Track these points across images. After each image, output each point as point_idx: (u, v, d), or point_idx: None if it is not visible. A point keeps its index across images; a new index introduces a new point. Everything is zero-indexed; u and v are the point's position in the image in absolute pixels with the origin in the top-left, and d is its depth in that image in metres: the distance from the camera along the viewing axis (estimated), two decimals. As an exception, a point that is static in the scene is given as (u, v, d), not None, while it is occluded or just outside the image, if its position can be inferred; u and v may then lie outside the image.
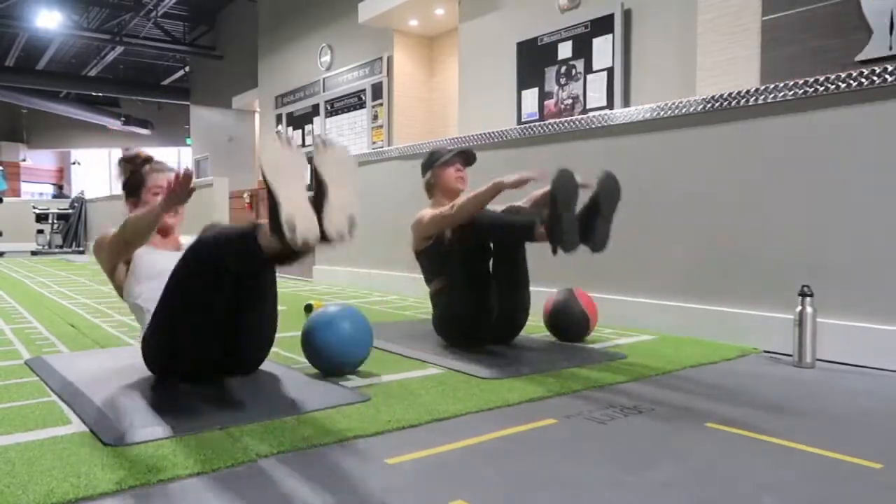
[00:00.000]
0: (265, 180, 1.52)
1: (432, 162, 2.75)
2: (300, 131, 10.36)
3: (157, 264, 2.08)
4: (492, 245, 2.53)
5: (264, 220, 1.61)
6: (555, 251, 2.21)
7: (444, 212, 2.50)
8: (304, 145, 10.25)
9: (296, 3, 10.39)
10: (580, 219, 2.24)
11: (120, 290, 2.15)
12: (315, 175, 1.58)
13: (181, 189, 1.84)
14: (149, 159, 2.20)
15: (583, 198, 2.27)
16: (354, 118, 9.05)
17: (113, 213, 10.09)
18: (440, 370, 2.19)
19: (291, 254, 1.63)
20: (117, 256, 2.08)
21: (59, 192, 18.34)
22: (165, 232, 2.23)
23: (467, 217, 2.43)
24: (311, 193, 1.57)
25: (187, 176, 1.84)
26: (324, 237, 1.56)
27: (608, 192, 2.24)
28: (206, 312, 1.82)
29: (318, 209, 1.56)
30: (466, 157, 2.75)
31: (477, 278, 2.48)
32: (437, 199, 2.74)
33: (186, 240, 2.26)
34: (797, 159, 2.50)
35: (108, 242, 2.04)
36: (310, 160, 1.63)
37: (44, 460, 1.34)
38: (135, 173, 2.17)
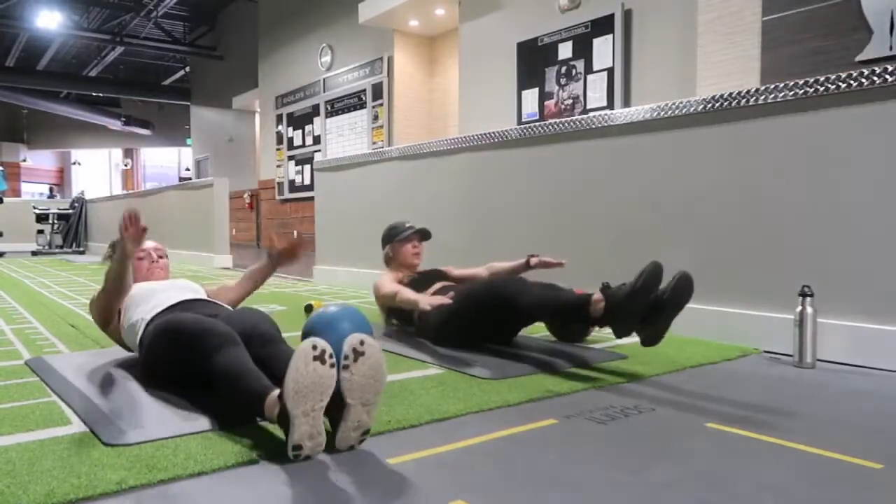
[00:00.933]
0: (283, 401, 1.36)
1: (392, 237, 2.99)
2: (300, 131, 10.36)
3: (146, 288, 2.22)
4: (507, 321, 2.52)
5: (273, 399, 1.46)
6: (613, 330, 2.12)
7: (392, 294, 2.64)
8: (303, 145, 10.26)
9: (296, 4, 10.39)
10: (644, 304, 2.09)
11: (117, 338, 2.25)
12: (338, 391, 1.40)
13: (132, 229, 1.95)
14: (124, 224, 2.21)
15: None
16: (355, 118, 9.04)
17: (113, 214, 10.09)
18: (440, 370, 2.19)
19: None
20: (106, 311, 2.19)
21: (51, 193, 18.32)
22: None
23: (406, 307, 2.58)
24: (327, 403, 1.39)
25: (132, 216, 1.96)
26: (333, 448, 1.44)
27: (680, 294, 2.05)
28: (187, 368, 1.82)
29: (334, 427, 1.44)
30: (423, 234, 2.99)
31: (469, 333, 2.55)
32: (394, 269, 2.96)
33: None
34: (798, 159, 2.50)
35: (96, 299, 2.19)
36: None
37: (44, 460, 1.34)
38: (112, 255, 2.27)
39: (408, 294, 2.54)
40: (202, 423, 1.57)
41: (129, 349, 2.22)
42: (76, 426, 1.57)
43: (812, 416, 1.72)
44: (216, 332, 1.73)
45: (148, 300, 2.12)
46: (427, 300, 2.35)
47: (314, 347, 1.36)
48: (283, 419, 1.39)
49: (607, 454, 1.43)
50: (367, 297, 4.34)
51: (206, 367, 1.67)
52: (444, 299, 2.28)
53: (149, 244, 2.40)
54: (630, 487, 1.25)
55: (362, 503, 1.19)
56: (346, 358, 1.40)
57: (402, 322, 2.80)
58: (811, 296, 2.27)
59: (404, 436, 1.55)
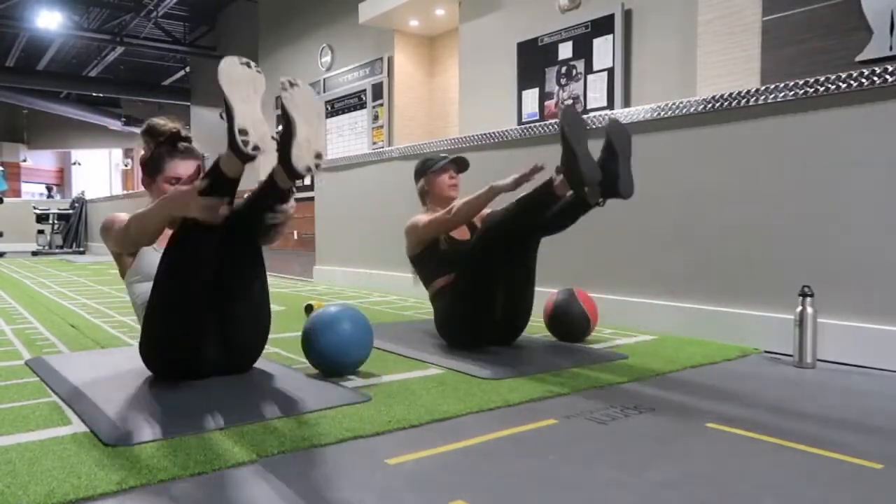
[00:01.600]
0: (223, 93, 1.62)
1: (426, 169, 2.79)
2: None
3: (155, 263, 2.03)
4: (502, 246, 2.45)
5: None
6: (583, 196, 2.21)
7: (441, 216, 2.52)
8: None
9: (296, 4, 10.40)
10: (601, 170, 2.20)
11: (123, 272, 2.13)
12: (283, 111, 1.68)
13: (212, 212, 1.69)
14: (174, 137, 2.05)
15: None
16: (355, 118, 9.06)
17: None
18: (441, 370, 2.19)
19: (242, 165, 1.67)
20: (122, 248, 2.04)
21: (50, 194, 18.30)
22: (172, 225, 2.14)
23: (465, 221, 2.45)
24: (279, 130, 1.66)
25: (216, 205, 1.70)
26: (293, 172, 1.67)
27: (617, 133, 2.23)
28: (190, 297, 1.81)
29: (287, 144, 1.66)
30: (459, 164, 2.79)
31: (482, 280, 2.47)
32: (430, 205, 2.78)
33: None
34: (798, 159, 2.50)
35: (115, 233, 1.97)
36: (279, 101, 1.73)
37: (44, 461, 1.34)
38: (155, 151, 2.04)
39: (463, 199, 2.46)
40: (202, 423, 1.57)
41: (122, 274, 2.11)
42: (76, 426, 1.57)
43: (812, 416, 1.72)
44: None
45: (153, 278, 2.03)
46: (503, 182, 2.36)
47: (239, 57, 1.65)
48: (228, 117, 1.62)
49: (607, 454, 1.43)
50: (368, 298, 4.34)
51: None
52: (523, 171, 2.34)
53: (189, 165, 2.09)
54: (630, 487, 1.25)
55: (362, 503, 1.19)
56: (282, 86, 1.67)
57: (431, 266, 2.65)
58: (811, 296, 2.27)
59: (404, 436, 1.55)
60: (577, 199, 2.28)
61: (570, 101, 2.29)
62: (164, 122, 2.08)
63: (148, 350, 1.95)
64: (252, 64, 1.69)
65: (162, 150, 2.04)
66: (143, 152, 2.11)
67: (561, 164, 2.22)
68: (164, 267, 1.84)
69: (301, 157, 1.67)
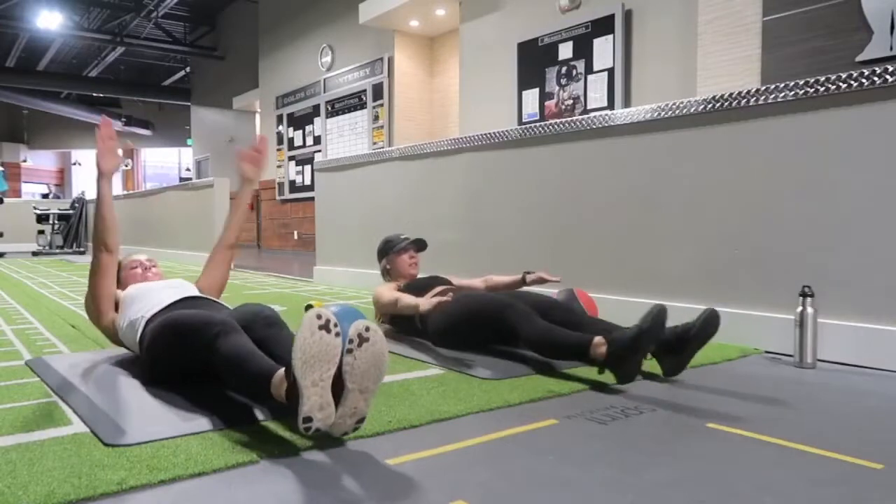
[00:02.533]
0: (294, 371, 1.37)
1: (388, 250, 3.00)
2: (301, 132, 10.36)
3: (143, 287, 2.23)
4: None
5: (280, 376, 1.50)
6: (600, 371, 2.04)
7: (391, 304, 2.65)
8: (304, 145, 10.26)
9: (297, 4, 10.40)
10: (666, 341, 2.08)
11: (112, 336, 2.26)
12: (339, 373, 1.41)
13: (106, 139, 2.00)
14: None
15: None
16: (355, 119, 9.05)
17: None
18: (441, 371, 2.19)
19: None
20: (100, 277, 2.19)
21: (47, 194, 18.30)
22: None
23: (407, 313, 2.59)
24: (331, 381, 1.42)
25: (106, 124, 2.01)
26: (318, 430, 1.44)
27: (706, 331, 2.04)
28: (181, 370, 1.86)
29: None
30: (418, 245, 3.01)
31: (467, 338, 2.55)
32: (392, 281, 2.97)
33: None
34: (798, 159, 2.50)
35: (91, 270, 2.19)
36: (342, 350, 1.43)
37: (45, 461, 1.34)
38: (118, 270, 2.35)
39: (408, 299, 2.55)
40: (202, 423, 1.57)
41: (125, 347, 2.22)
42: (76, 426, 1.57)
43: (812, 417, 1.72)
44: (216, 321, 1.74)
45: (146, 298, 2.12)
46: (426, 301, 2.36)
47: (318, 317, 1.38)
48: (292, 393, 1.40)
49: (608, 454, 1.43)
50: (368, 297, 4.34)
51: (209, 356, 1.68)
52: (444, 298, 2.28)
53: (140, 256, 2.46)
54: (630, 487, 1.25)
55: (362, 503, 1.19)
56: (350, 342, 1.40)
57: (404, 332, 2.80)
58: (812, 296, 2.27)
59: (405, 436, 1.55)
60: (589, 361, 2.09)
61: (666, 309, 1.99)
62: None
63: (151, 367, 2.00)
64: (331, 324, 1.40)
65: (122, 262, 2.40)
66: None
67: (615, 346, 1.98)
68: (172, 342, 1.86)
69: (341, 426, 1.43)
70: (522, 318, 2.25)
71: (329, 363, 1.38)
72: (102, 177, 2.15)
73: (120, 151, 2.08)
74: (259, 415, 1.64)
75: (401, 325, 2.80)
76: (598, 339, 2.03)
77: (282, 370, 1.50)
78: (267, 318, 1.87)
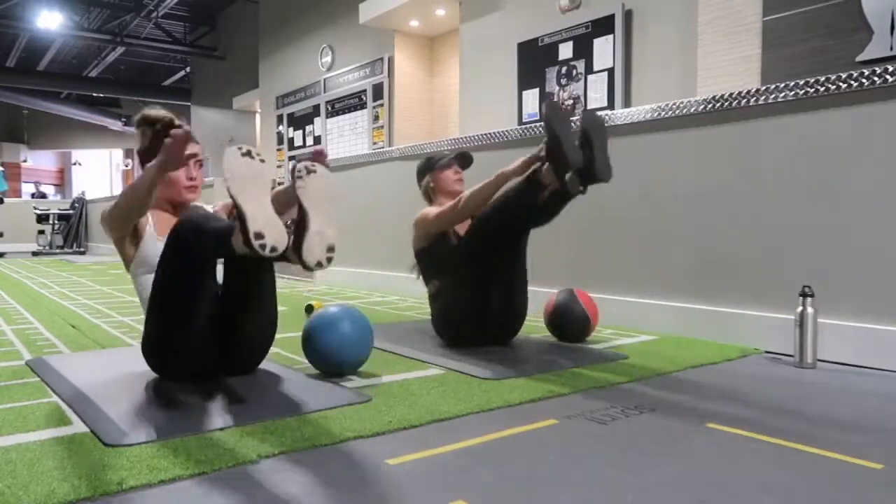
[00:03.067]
0: (230, 194, 1.56)
1: (431, 166, 2.80)
2: (301, 132, 10.37)
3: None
4: (494, 241, 2.47)
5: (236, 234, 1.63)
6: (565, 182, 2.22)
7: (451, 207, 2.52)
8: (304, 145, 10.27)
9: (297, 4, 10.40)
10: (580, 159, 2.25)
11: (127, 264, 2.11)
12: (297, 201, 1.63)
13: (176, 149, 1.72)
14: (171, 124, 2.03)
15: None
16: (355, 119, 9.06)
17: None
18: (441, 371, 2.19)
19: (265, 259, 1.64)
20: (120, 229, 2.00)
21: (40, 194, 18.27)
22: (178, 208, 2.15)
23: (475, 210, 2.46)
24: (293, 218, 1.62)
25: (181, 136, 1.72)
26: (303, 264, 1.61)
27: (592, 122, 2.28)
28: (188, 301, 1.79)
29: (299, 237, 1.60)
30: (464, 159, 2.81)
31: (479, 277, 2.48)
32: (437, 201, 2.78)
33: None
34: (798, 159, 2.50)
35: (109, 215, 1.95)
36: (291, 185, 1.66)
37: (45, 461, 1.34)
38: (154, 140, 2.01)
39: (471, 189, 2.47)
40: (203, 423, 1.57)
41: (127, 266, 2.10)
42: (77, 427, 1.57)
43: (812, 417, 1.72)
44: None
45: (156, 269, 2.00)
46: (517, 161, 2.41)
47: (239, 148, 1.57)
48: (240, 219, 1.54)
49: (608, 454, 1.43)
50: (368, 298, 4.34)
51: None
52: (528, 156, 2.40)
53: (190, 146, 1.98)
54: (630, 487, 1.25)
55: (363, 503, 1.19)
56: (298, 172, 1.63)
57: (434, 262, 2.66)
58: (812, 296, 2.27)
59: (405, 436, 1.55)
60: (561, 188, 2.29)
61: (553, 98, 2.32)
62: (158, 111, 2.13)
63: (148, 348, 1.95)
64: (254, 152, 1.63)
65: (161, 135, 1.99)
66: (139, 143, 2.11)
67: (545, 150, 2.28)
68: (161, 265, 1.83)
69: (312, 250, 1.62)
70: (489, 206, 2.40)
71: (262, 182, 1.55)
72: (159, 172, 1.79)
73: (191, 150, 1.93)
74: (260, 414, 1.64)
75: (434, 252, 2.65)
76: (537, 166, 2.33)
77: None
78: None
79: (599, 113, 2.34)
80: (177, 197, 2.12)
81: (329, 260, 1.64)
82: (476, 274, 2.48)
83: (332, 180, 1.72)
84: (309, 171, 1.67)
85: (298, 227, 1.63)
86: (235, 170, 1.56)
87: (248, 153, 1.61)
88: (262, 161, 1.62)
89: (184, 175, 2.08)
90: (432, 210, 2.63)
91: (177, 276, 1.80)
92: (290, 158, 10.56)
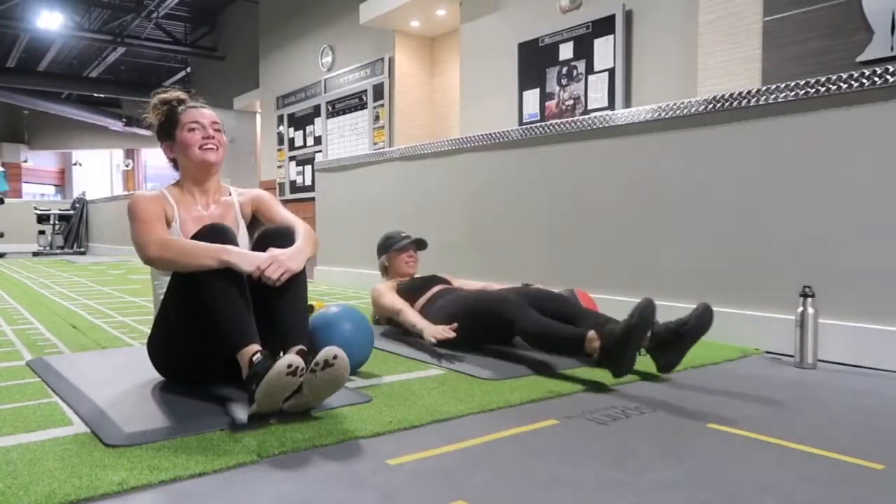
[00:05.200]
0: (254, 398, 1.57)
1: (388, 247, 3.03)
2: (301, 132, 10.37)
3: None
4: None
5: (247, 359, 1.63)
6: (600, 366, 2.08)
7: (391, 311, 2.70)
8: (304, 146, 10.27)
9: (297, 4, 10.40)
10: (660, 336, 2.11)
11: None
12: (299, 385, 1.58)
13: (244, 267, 1.70)
14: (184, 99, 2.06)
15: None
16: (356, 119, 9.06)
17: (114, 215, 10.10)
18: (441, 371, 2.19)
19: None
20: (135, 247, 1.90)
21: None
22: (204, 176, 2.03)
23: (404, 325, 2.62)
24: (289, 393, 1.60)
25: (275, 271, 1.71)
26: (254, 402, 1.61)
27: (701, 326, 2.05)
28: (201, 329, 1.78)
29: (286, 398, 1.61)
30: (418, 244, 3.04)
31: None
32: (389, 278, 3.02)
33: (232, 195, 2.12)
34: (799, 160, 2.50)
35: (133, 230, 1.85)
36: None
37: (45, 461, 1.34)
38: (170, 113, 2.02)
39: (411, 317, 2.57)
40: (203, 423, 1.57)
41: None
42: (77, 427, 1.57)
43: (813, 417, 1.72)
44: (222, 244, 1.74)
45: None
46: (431, 332, 2.34)
47: (289, 366, 1.51)
48: (250, 392, 1.58)
49: (608, 455, 1.43)
50: (369, 298, 4.34)
51: (204, 294, 1.70)
52: (449, 333, 2.29)
53: (206, 112, 2.04)
54: (630, 487, 1.25)
55: (362, 503, 1.19)
56: (316, 364, 1.56)
57: (402, 331, 2.79)
58: (812, 296, 2.27)
59: (405, 436, 1.55)
60: (585, 355, 2.14)
61: (652, 301, 2.03)
62: (170, 91, 2.07)
63: (156, 360, 1.97)
64: (299, 370, 1.53)
65: (175, 107, 2.01)
66: (155, 121, 2.06)
67: (608, 340, 2.02)
68: (174, 283, 1.82)
69: (290, 408, 1.64)
70: (519, 312, 2.27)
71: (286, 391, 1.56)
72: (238, 267, 1.72)
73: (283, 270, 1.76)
74: (260, 414, 1.64)
75: (399, 325, 2.80)
76: (591, 333, 2.06)
77: (253, 350, 1.64)
78: (279, 231, 1.90)
79: (712, 311, 2.08)
80: (197, 160, 1.99)
81: (300, 413, 1.67)
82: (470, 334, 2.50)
83: (346, 371, 1.59)
84: (327, 366, 1.56)
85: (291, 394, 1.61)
86: (272, 384, 1.53)
87: (294, 372, 1.52)
88: (301, 376, 1.55)
89: (198, 136, 1.99)
90: (383, 295, 2.78)
91: (183, 311, 1.82)
92: (291, 159, 10.57)
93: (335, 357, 1.57)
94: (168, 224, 1.95)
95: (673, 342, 2.08)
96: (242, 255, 1.72)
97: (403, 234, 3.04)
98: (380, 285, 2.88)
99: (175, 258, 1.74)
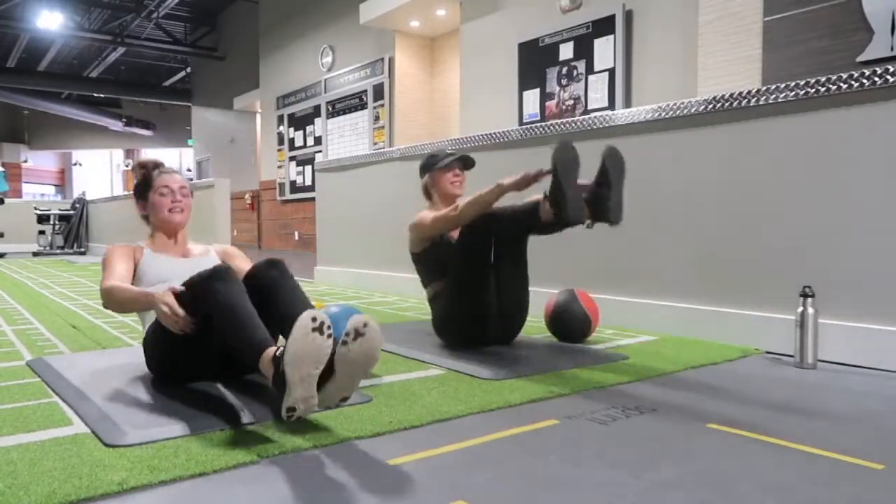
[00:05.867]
0: (283, 366, 1.45)
1: (431, 165, 2.78)
2: (302, 132, 10.37)
3: (162, 272, 2.11)
4: (494, 243, 2.49)
5: (269, 356, 1.57)
6: (563, 224, 2.24)
7: (447, 213, 2.51)
8: (304, 146, 10.27)
9: (297, 4, 10.40)
10: (593, 195, 2.28)
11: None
12: (331, 360, 1.48)
13: (164, 318, 1.73)
14: (159, 165, 2.27)
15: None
16: (356, 119, 9.05)
17: (114, 214, 10.11)
18: (441, 371, 2.19)
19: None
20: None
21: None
22: (171, 232, 2.23)
23: (470, 219, 2.44)
24: (321, 369, 1.48)
25: (168, 314, 1.71)
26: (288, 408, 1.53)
27: (613, 161, 2.28)
28: (198, 338, 1.79)
29: (319, 385, 1.50)
30: (465, 161, 2.78)
31: (478, 279, 2.47)
32: (434, 202, 2.78)
33: (196, 248, 2.30)
34: (799, 160, 2.50)
35: (103, 278, 2.01)
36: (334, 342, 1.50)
37: (46, 461, 1.34)
38: (146, 176, 2.23)
39: (470, 196, 2.45)
40: (203, 423, 1.57)
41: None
42: (77, 427, 1.57)
43: (813, 417, 1.72)
44: (219, 269, 1.76)
45: (155, 284, 2.05)
46: (509, 180, 2.35)
47: (314, 319, 1.44)
48: (279, 382, 1.48)
49: (608, 455, 1.43)
50: (369, 298, 4.34)
51: (207, 307, 1.69)
52: (530, 172, 2.33)
53: (174, 180, 2.22)
54: (631, 488, 1.25)
55: (362, 503, 1.19)
56: (346, 335, 1.48)
57: (431, 266, 2.67)
58: (812, 296, 2.27)
59: (405, 436, 1.55)
60: (538, 219, 2.36)
61: (568, 142, 2.24)
62: (150, 158, 2.32)
63: (152, 362, 1.99)
64: (325, 325, 1.45)
65: (151, 171, 2.24)
66: (135, 180, 2.30)
67: (549, 195, 2.26)
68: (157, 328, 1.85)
69: (326, 400, 1.53)
70: (494, 214, 2.42)
71: (318, 361, 1.46)
72: (156, 308, 1.80)
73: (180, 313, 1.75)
74: (260, 415, 1.64)
75: (431, 255, 2.66)
76: (540, 201, 2.31)
77: (272, 350, 1.58)
78: (267, 260, 1.94)
79: (616, 148, 2.34)
80: (165, 220, 2.20)
81: (338, 406, 1.57)
82: (474, 277, 2.47)
83: (380, 342, 1.52)
84: (358, 335, 1.48)
85: (320, 379, 1.49)
86: (299, 347, 1.43)
87: (319, 329, 1.44)
88: (330, 336, 1.46)
89: (168, 200, 2.20)
90: (428, 214, 2.62)
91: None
92: (291, 159, 10.57)
93: (365, 325, 1.48)
94: (135, 263, 2.14)
95: (603, 186, 2.26)
96: (157, 297, 1.77)
97: (448, 151, 2.88)
98: (421, 213, 2.69)
99: (118, 303, 1.91)
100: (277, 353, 1.54)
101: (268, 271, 1.91)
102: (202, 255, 2.27)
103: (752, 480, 1.29)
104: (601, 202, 2.27)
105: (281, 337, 1.76)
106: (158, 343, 1.91)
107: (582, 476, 1.31)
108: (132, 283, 2.08)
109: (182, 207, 2.22)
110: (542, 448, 1.47)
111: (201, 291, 1.71)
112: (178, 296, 1.75)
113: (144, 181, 2.22)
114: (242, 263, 2.22)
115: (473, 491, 1.24)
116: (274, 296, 1.86)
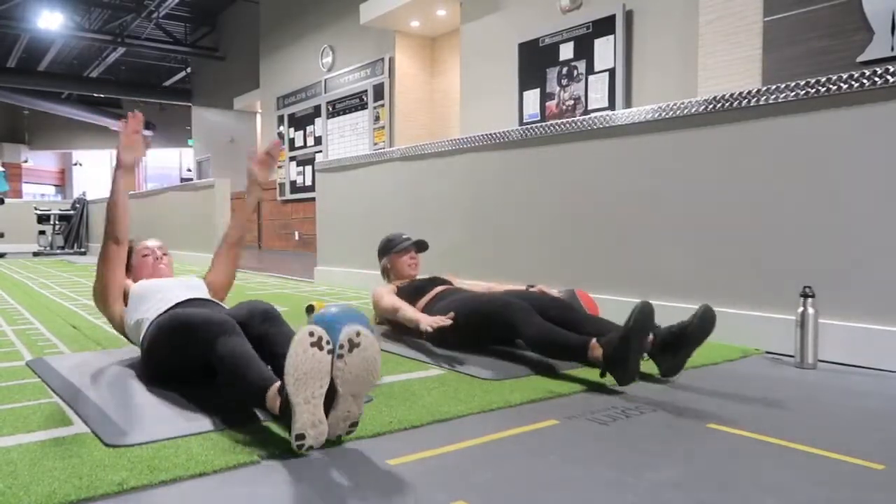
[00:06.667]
0: (285, 387, 1.39)
1: (389, 249, 3.02)
2: (302, 132, 10.37)
3: (153, 285, 2.19)
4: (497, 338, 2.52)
5: (274, 390, 1.48)
6: (601, 372, 2.00)
7: (390, 310, 2.67)
8: (304, 146, 10.27)
9: (297, 5, 10.40)
10: (662, 340, 2.11)
11: (119, 326, 2.25)
12: (331, 380, 1.42)
13: (130, 133, 1.95)
14: (132, 239, 2.39)
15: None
16: (356, 119, 9.05)
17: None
18: (442, 371, 2.19)
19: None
20: (109, 267, 2.17)
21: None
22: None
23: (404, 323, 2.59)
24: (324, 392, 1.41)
25: (134, 118, 1.95)
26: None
27: (703, 328, 2.04)
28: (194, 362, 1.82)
29: (326, 410, 1.43)
30: (419, 246, 3.03)
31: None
32: (391, 280, 3.01)
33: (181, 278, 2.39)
34: (799, 160, 2.50)
35: (99, 258, 2.15)
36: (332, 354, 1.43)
37: (46, 461, 1.34)
38: (131, 257, 2.37)
39: (409, 312, 2.55)
40: (203, 423, 1.57)
41: (128, 339, 2.25)
42: (77, 427, 1.57)
43: (813, 417, 1.72)
44: (216, 320, 1.75)
45: (154, 297, 2.12)
46: (427, 321, 2.32)
47: (311, 334, 1.39)
48: (285, 411, 1.41)
49: (608, 455, 1.43)
50: (369, 298, 4.34)
51: (207, 356, 1.68)
52: (445, 320, 2.28)
53: (152, 242, 2.44)
54: (631, 488, 1.25)
55: (362, 503, 1.19)
56: (340, 347, 1.41)
57: (403, 332, 2.78)
58: (812, 296, 2.27)
59: (405, 436, 1.55)
60: (588, 363, 2.08)
61: (648, 302, 1.99)
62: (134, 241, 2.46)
63: (151, 367, 2.01)
64: (324, 340, 1.40)
65: (133, 246, 2.40)
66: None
67: (609, 348, 1.97)
68: (170, 341, 1.88)
69: (333, 428, 1.44)
70: (522, 316, 2.25)
71: (321, 379, 1.39)
72: (120, 168, 2.15)
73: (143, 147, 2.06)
74: (259, 415, 1.64)
75: (400, 325, 2.79)
76: (593, 341, 2.03)
77: (277, 384, 1.49)
78: (264, 312, 1.86)
79: (713, 312, 2.06)
80: (151, 275, 2.34)
81: (349, 433, 1.49)
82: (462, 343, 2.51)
83: (377, 351, 1.45)
84: (353, 346, 1.42)
85: (326, 404, 1.43)
86: (299, 365, 1.36)
87: (318, 344, 1.38)
88: (330, 352, 1.41)
89: (151, 259, 2.38)
90: (383, 297, 2.75)
91: (172, 357, 1.89)
92: (291, 159, 10.57)
93: (358, 334, 1.42)
94: (125, 290, 2.26)
95: (675, 346, 2.07)
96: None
97: (404, 236, 3.04)
98: (380, 288, 2.87)
99: (109, 211, 2.15)
100: (279, 389, 1.47)
101: (261, 326, 1.82)
102: (184, 275, 2.42)
103: (752, 480, 1.29)
104: (665, 354, 2.09)
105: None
106: (153, 358, 1.96)
107: (582, 476, 1.31)
108: (126, 311, 2.19)
109: (165, 264, 2.41)
110: (542, 448, 1.47)
111: (203, 340, 1.71)
112: (176, 330, 1.83)
113: (129, 254, 2.33)
114: (219, 253, 2.46)
115: (473, 491, 1.24)
116: (265, 345, 1.78)
